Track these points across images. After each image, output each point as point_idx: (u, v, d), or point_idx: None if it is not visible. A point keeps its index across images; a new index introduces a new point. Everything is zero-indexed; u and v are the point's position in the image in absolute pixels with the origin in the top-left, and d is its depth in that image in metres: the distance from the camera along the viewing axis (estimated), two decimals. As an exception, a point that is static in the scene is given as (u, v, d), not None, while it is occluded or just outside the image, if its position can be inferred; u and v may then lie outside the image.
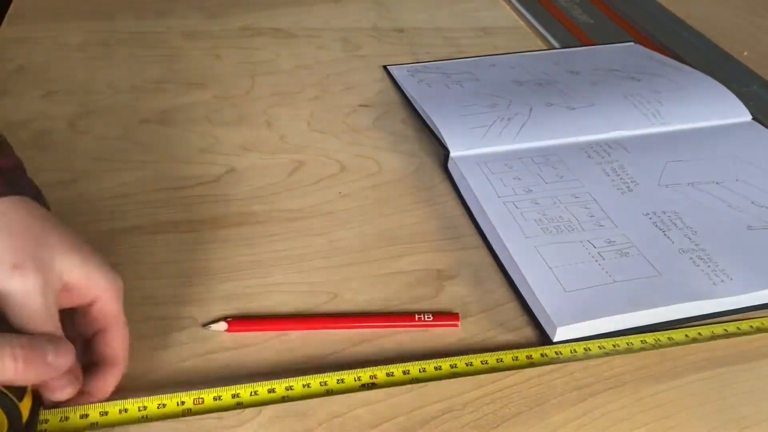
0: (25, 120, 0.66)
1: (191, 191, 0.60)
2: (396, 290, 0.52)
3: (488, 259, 0.55)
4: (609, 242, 0.53)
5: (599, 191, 0.59)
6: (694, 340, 0.49)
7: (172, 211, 0.58)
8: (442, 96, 0.70)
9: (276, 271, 0.53)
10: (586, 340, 0.48)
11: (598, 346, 0.48)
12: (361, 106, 0.72)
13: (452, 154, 0.62)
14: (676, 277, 0.51)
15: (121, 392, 0.42)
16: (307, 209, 0.59)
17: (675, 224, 0.55)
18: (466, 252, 0.55)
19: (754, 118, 0.70)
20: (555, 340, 0.47)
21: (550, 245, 0.53)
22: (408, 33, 0.86)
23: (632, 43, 0.85)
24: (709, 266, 0.52)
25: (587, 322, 0.48)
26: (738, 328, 0.50)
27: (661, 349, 0.48)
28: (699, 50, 0.85)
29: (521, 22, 0.91)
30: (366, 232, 0.57)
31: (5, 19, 0.83)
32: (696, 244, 0.54)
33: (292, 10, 0.87)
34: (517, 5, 0.93)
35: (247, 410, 0.42)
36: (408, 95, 0.72)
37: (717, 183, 0.60)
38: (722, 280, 0.51)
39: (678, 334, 0.49)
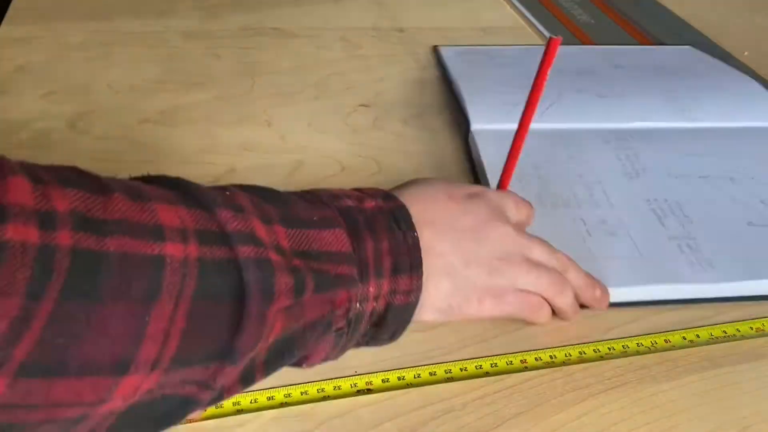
0: (25, 120, 0.66)
1: (191, 191, 0.60)
2: (396, 290, 0.52)
3: (488, 259, 0.55)
4: (601, 221, 0.54)
5: (605, 174, 0.59)
6: (692, 343, 0.49)
7: (172, 212, 0.57)
8: (478, 76, 0.72)
9: (276, 272, 0.53)
10: None
11: (593, 350, 0.48)
12: (361, 106, 0.72)
13: (472, 127, 0.63)
14: (656, 260, 0.51)
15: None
16: (307, 209, 0.59)
17: (673, 212, 0.56)
18: (466, 252, 0.55)
19: None
20: None
21: (541, 217, 0.53)
22: (408, 32, 0.86)
23: (690, 47, 0.84)
24: (694, 254, 0.52)
25: None
26: (737, 330, 0.50)
27: (658, 353, 0.48)
28: (700, 49, 0.85)
29: (522, 22, 0.91)
30: (366, 232, 0.57)
31: (5, 19, 0.83)
32: (688, 233, 0.54)
33: (292, 9, 0.87)
34: (518, 5, 0.93)
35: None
36: (448, 73, 0.74)
37: (730, 179, 0.60)
38: (703, 268, 0.51)
39: (675, 337, 0.49)
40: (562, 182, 0.58)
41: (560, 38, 0.40)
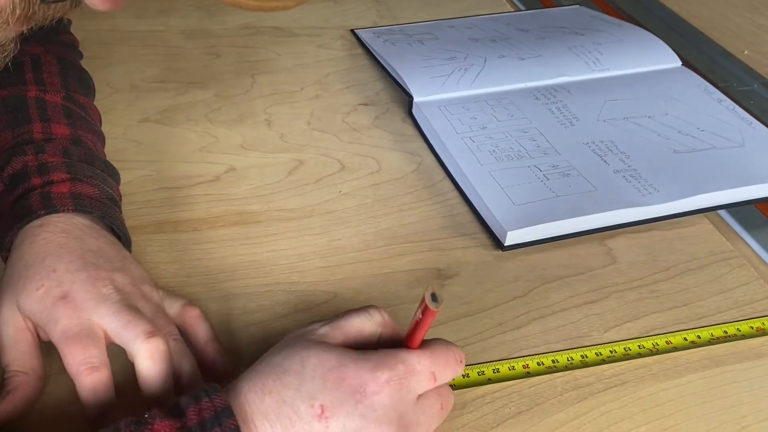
0: (24, 119, 0.66)
1: (191, 191, 0.60)
2: (396, 289, 0.52)
3: (488, 257, 0.55)
4: (553, 166, 0.61)
5: (545, 126, 0.67)
6: (693, 344, 0.48)
7: (172, 211, 0.58)
8: (405, 52, 0.77)
9: (276, 271, 0.53)
10: (533, 244, 0.55)
11: (595, 353, 0.48)
12: (361, 104, 0.72)
13: (415, 99, 0.69)
14: (610, 191, 0.59)
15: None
16: (307, 208, 0.59)
17: (611, 150, 0.64)
18: (466, 251, 0.55)
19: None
20: (506, 243, 0.55)
21: (502, 170, 0.61)
22: (408, 31, 0.86)
23: (578, 6, 0.91)
24: (639, 182, 0.60)
25: (533, 227, 0.55)
26: (738, 330, 0.50)
27: (660, 355, 0.48)
28: (699, 48, 0.84)
29: (521, 21, 0.90)
30: (366, 231, 0.57)
31: (5, 18, 0.83)
32: (628, 166, 0.62)
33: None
34: (519, 5, 0.93)
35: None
36: (375, 53, 0.78)
37: (648, 117, 0.68)
38: (650, 192, 0.59)
39: (676, 338, 0.49)
40: (510, 138, 0.65)
41: (437, 311, 0.36)
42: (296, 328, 0.48)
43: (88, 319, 0.41)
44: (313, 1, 0.89)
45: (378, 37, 0.81)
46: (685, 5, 0.94)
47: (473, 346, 0.48)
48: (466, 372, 0.46)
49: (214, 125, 0.67)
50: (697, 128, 0.66)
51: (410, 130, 0.68)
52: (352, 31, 0.83)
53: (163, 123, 0.67)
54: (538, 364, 0.47)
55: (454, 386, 0.44)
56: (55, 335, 0.41)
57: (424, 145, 0.66)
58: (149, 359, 0.40)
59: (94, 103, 0.61)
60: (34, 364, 0.42)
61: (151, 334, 0.41)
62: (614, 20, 0.86)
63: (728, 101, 0.71)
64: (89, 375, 0.40)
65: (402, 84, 0.71)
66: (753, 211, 0.61)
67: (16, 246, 0.45)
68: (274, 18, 0.85)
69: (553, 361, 0.47)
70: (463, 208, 0.60)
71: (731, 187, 0.59)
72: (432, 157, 0.65)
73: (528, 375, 0.46)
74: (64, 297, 0.42)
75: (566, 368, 0.46)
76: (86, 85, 0.61)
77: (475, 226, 0.58)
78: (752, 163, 0.62)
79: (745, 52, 0.84)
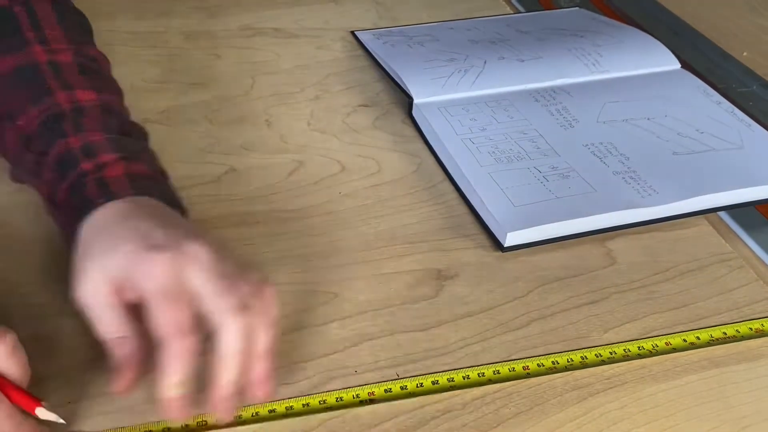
0: (25, 120, 0.66)
1: (191, 191, 0.60)
2: (396, 290, 0.52)
3: (487, 258, 0.55)
4: (552, 168, 0.61)
5: (545, 128, 0.67)
6: (692, 345, 0.49)
7: (172, 211, 0.58)
8: (405, 54, 0.77)
9: (276, 272, 0.53)
10: (533, 245, 0.55)
11: (595, 354, 0.48)
12: (361, 106, 0.72)
13: (415, 100, 0.69)
14: (609, 192, 0.59)
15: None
16: (307, 209, 0.59)
17: (610, 152, 0.64)
18: (466, 252, 0.56)
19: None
20: (506, 244, 0.55)
21: (501, 172, 0.61)
22: (408, 33, 0.86)
23: (578, 8, 0.91)
24: (638, 184, 0.60)
25: (533, 228, 0.55)
26: (737, 331, 0.50)
27: (660, 356, 0.48)
28: (699, 50, 0.85)
29: (521, 22, 0.91)
30: (366, 232, 0.57)
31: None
32: (628, 167, 0.62)
33: (292, 9, 0.87)
34: (519, 7, 0.94)
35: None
36: (374, 55, 0.78)
37: (648, 119, 0.68)
38: (649, 194, 0.59)
39: (676, 339, 0.49)
40: (509, 140, 0.65)
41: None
42: (295, 330, 0.48)
43: (179, 276, 0.39)
44: (314, 3, 0.89)
45: (378, 38, 0.81)
46: (685, 7, 0.94)
47: (473, 347, 0.48)
48: (467, 373, 0.46)
49: (214, 126, 0.68)
50: (697, 130, 0.67)
51: (410, 131, 0.69)
52: (352, 32, 0.84)
53: (164, 123, 0.67)
54: (538, 365, 0.47)
55: (454, 387, 0.45)
56: (148, 289, 0.39)
57: (424, 147, 0.66)
58: (235, 336, 0.38)
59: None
60: (131, 327, 0.40)
61: (244, 309, 0.39)
62: (614, 22, 0.86)
63: (727, 103, 0.71)
64: (181, 340, 0.38)
65: (402, 85, 0.71)
66: (752, 213, 0.61)
67: (84, 228, 0.43)
68: (274, 19, 0.85)
69: (552, 362, 0.47)
70: (463, 209, 0.60)
71: (730, 189, 0.60)
72: (432, 159, 0.65)
73: (528, 376, 0.46)
74: (155, 248, 0.39)
75: (566, 369, 0.46)
76: (87, 31, 0.59)
77: (475, 227, 0.58)
78: (751, 165, 0.62)
79: (745, 53, 0.84)
